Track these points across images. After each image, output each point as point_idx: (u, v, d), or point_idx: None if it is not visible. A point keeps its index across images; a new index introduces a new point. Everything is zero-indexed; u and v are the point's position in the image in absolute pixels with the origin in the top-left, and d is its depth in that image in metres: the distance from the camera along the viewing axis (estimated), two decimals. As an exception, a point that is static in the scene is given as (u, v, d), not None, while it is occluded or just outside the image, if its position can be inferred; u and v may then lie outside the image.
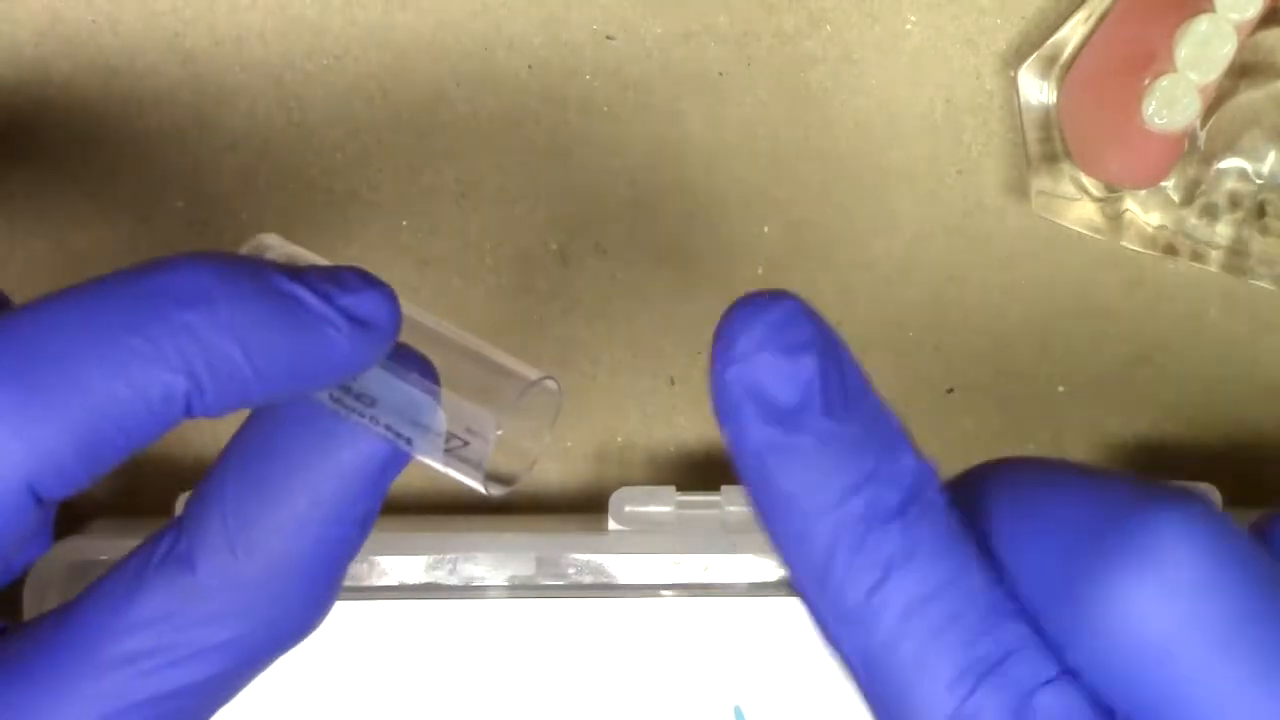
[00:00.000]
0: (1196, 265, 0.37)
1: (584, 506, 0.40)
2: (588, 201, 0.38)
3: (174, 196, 0.38)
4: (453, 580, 0.37)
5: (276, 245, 0.27)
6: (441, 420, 0.26)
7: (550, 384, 0.26)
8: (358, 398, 0.26)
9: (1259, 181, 0.37)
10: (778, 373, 0.20)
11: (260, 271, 0.24)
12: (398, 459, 0.26)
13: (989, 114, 0.38)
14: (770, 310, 0.20)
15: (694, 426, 0.40)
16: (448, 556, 0.37)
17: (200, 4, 0.37)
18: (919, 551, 0.20)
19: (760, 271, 0.38)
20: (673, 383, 0.39)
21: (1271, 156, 0.36)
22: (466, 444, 0.26)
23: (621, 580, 0.37)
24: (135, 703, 0.25)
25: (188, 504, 0.26)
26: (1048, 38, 0.36)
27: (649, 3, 0.37)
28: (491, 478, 0.26)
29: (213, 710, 0.26)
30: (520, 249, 0.38)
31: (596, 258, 0.39)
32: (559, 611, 0.37)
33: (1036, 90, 0.37)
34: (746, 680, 0.37)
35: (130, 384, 0.22)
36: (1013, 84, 0.37)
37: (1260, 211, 0.37)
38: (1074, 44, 0.36)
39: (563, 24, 0.37)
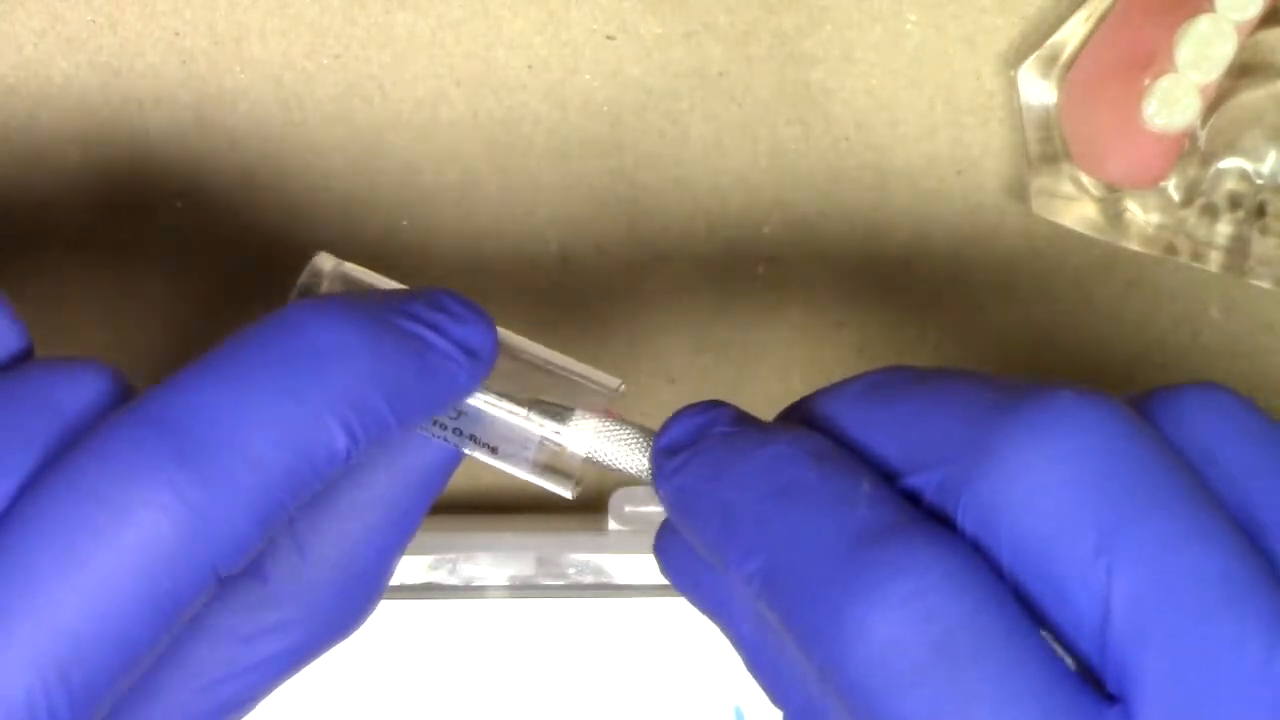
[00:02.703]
0: (1196, 265, 0.37)
1: (584, 506, 0.40)
2: (588, 201, 0.38)
3: (174, 196, 0.38)
4: (453, 580, 0.37)
5: (330, 268, 0.27)
6: (534, 428, 0.27)
7: (623, 389, 0.27)
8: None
9: (1259, 181, 0.36)
10: None
11: (382, 314, 0.24)
12: (455, 460, 0.27)
13: (989, 114, 0.38)
14: None
15: (694, 426, 0.40)
16: (448, 556, 0.37)
17: (200, 4, 0.37)
18: None
19: (760, 271, 0.38)
20: (673, 382, 0.39)
21: (1271, 156, 0.36)
22: (553, 450, 0.27)
23: (621, 580, 0.37)
24: (194, 715, 0.25)
25: None
26: (1048, 38, 0.36)
27: (649, 3, 0.37)
28: (563, 475, 0.27)
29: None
30: (520, 249, 0.38)
31: (596, 258, 0.39)
32: (559, 611, 0.37)
33: (1036, 90, 0.37)
34: (746, 680, 0.37)
35: (297, 452, 0.22)
36: (1013, 84, 0.37)
37: (1260, 211, 0.37)
38: (1074, 44, 0.36)
39: (563, 24, 0.37)
